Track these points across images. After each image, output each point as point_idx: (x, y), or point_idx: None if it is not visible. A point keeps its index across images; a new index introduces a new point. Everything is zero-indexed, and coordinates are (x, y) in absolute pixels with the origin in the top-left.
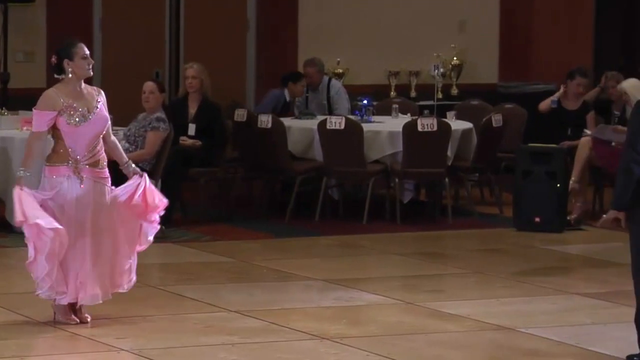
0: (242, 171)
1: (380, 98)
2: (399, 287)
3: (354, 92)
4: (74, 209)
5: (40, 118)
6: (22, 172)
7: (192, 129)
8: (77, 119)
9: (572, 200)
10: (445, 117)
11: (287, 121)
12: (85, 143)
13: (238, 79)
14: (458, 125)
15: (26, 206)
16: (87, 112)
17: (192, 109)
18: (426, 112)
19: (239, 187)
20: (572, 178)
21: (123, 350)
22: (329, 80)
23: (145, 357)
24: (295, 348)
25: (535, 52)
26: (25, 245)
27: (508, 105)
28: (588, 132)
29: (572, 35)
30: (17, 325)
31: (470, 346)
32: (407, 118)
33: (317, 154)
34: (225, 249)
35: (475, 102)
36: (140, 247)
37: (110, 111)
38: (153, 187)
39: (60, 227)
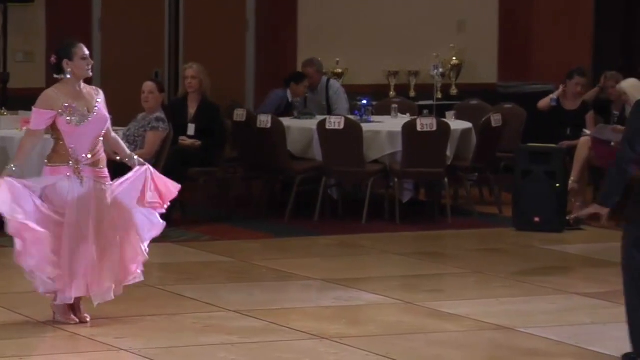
0: (241, 171)
1: (379, 98)
2: (398, 287)
3: (354, 92)
4: (75, 210)
5: (38, 117)
6: (11, 166)
7: (191, 129)
8: (77, 119)
9: (572, 200)
10: (445, 117)
11: (286, 121)
12: (86, 143)
13: (237, 79)
14: (457, 125)
15: (5, 198)
16: (87, 112)
17: (192, 109)
18: (425, 112)
19: (239, 187)
20: (572, 178)
21: (122, 350)
22: (328, 80)
23: (145, 357)
24: (295, 348)
25: (535, 52)
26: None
27: (507, 105)
28: (587, 132)
29: (572, 35)
30: (16, 325)
31: (470, 346)
32: (406, 118)
33: (317, 153)
34: (225, 249)
35: (474, 102)
36: (154, 233)
37: (109, 111)
38: (159, 174)
39: (39, 229)
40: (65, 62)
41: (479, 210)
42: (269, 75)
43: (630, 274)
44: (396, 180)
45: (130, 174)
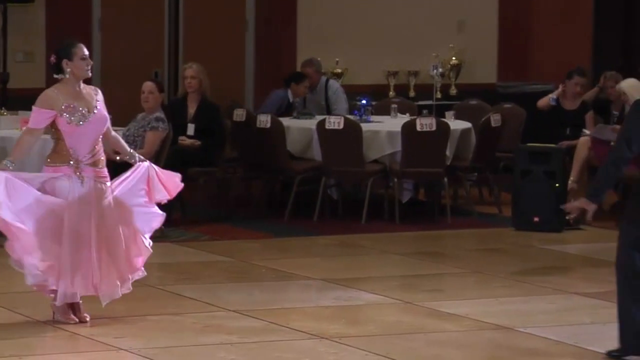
0: (241, 171)
1: (379, 98)
2: (397, 287)
3: (353, 92)
4: (75, 210)
5: (38, 116)
6: (6, 161)
7: (191, 128)
8: (77, 119)
9: (571, 200)
10: (444, 117)
11: (285, 121)
12: (86, 143)
13: (237, 79)
14: (457, 125)
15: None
16: (87, 112)
17: (191, 109)
18: (425, 112)
19: (238, 187)
20: (571, 178)
21: (122, 349)
22: (327, 80)
23: (144, 357)
24: (294, 347)
25: (535, 52)
26: None
27: (507, 105)
28: (587, 132)
29: (572, 35)
30: (16, 324)
31: (469, 346)
32: (406, 118)
33: (316, 153)
34: (225, 249)
35: (474, 102)
36: (155, 225)
37: (109, 111)
38: (162, 169)
39: (24, 227)
40: (64, 62)
41: (479, 210)
42: (268, 75)
43: (624, 273)
44: (396, 180)
45: (128, 172)
